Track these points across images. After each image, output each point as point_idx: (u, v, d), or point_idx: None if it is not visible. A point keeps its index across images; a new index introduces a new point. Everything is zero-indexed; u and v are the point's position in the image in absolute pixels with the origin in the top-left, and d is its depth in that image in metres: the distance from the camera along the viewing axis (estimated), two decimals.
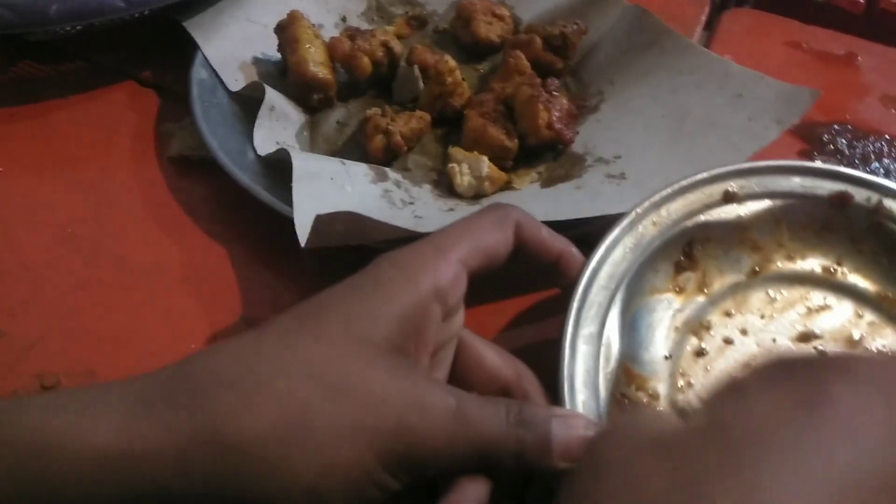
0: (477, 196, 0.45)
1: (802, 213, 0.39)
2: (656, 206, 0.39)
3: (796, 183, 0.40)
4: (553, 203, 0.42)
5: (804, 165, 0.40)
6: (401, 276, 0.28)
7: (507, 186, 0.46)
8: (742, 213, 0.39)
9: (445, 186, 0.45)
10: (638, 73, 0.50)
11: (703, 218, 0.40)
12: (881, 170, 0.52)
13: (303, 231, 0.36)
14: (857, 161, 0.53)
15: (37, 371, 0.36)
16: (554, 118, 0.46)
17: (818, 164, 0.40)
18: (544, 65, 0.52)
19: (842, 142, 0.54)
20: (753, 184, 0.40)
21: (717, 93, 0.46)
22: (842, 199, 0.39)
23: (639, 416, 0.28)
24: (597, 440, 0.26)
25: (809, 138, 0.54)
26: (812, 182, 0.39)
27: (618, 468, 0.23)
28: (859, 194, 0.39)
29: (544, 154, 0.48)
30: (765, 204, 0.39)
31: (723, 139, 0.43)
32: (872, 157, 0.53)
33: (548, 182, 0.46)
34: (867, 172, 0.50)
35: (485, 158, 0.45)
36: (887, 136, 0.55)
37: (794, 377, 0.23)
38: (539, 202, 0.43)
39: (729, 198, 0.39)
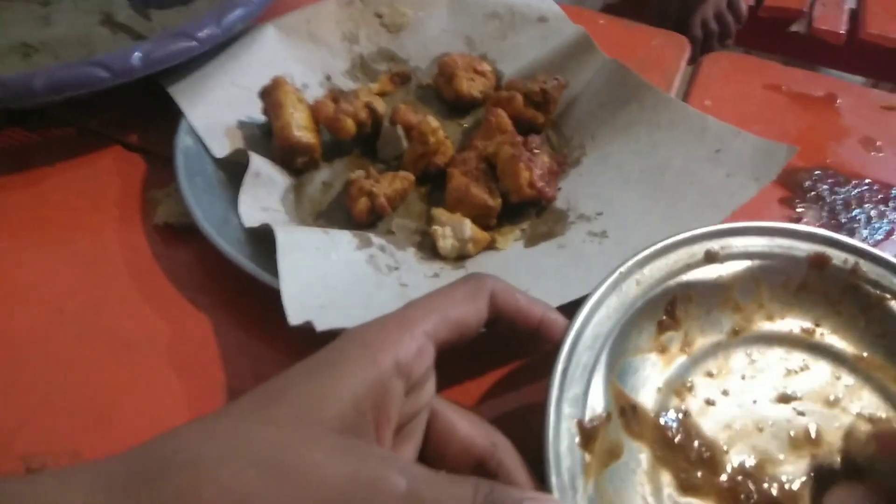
0: (461, 258, 0.45)
1: (782, 274, 0.40)
2: (639, 265, 0.39)
3: (776, 244, 0.40)
4: (536, 267, 0.42)
5: (784, 227, 0.40)
6: (359, 353, 0.28)
7: (490, 246, 0.46)
8: (723, 273, 0.40)
9: (430, 248, 0.46)
10: (618, 127, 0.51)
11: (685, 278, 0.40)
12: (863, 215, 0.53)
13: (291, 307, 0.36)
14: (838, 207, 0.53)
15: (23, 453, 0.36)
16: (536, 177, 0.47)
17: (797, 226, 0.41)
18: (526, 120, 0.53)
19: (823, 188, 0.55)
20: (734, 244, 0.40)
21: (695, 148, 0.46)
22: (820, 261, 0.40)
23: None
24: None
25: (791, 185, 0.55)
26: (791, 243, 0.40)
27: None
28: (837, 256, 0.40)
29: (527, 210, 0.49)
30: (745, 264, 0.40)
31: (702, 196, 0.43)
32: (854, 202, 0.54)
33: (531, 240, 0.46)
34: (849, 218, 0.52)
35: (467, 221, 0.45)
36: (868, 181, 0.55)
37: None
38: (522, 265, 0.43)
39: (711, 258, 0.40)
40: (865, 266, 0.39)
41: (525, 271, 0.42)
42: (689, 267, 0.40)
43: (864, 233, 0.52)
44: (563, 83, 0.54)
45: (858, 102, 0.64)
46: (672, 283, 0.40)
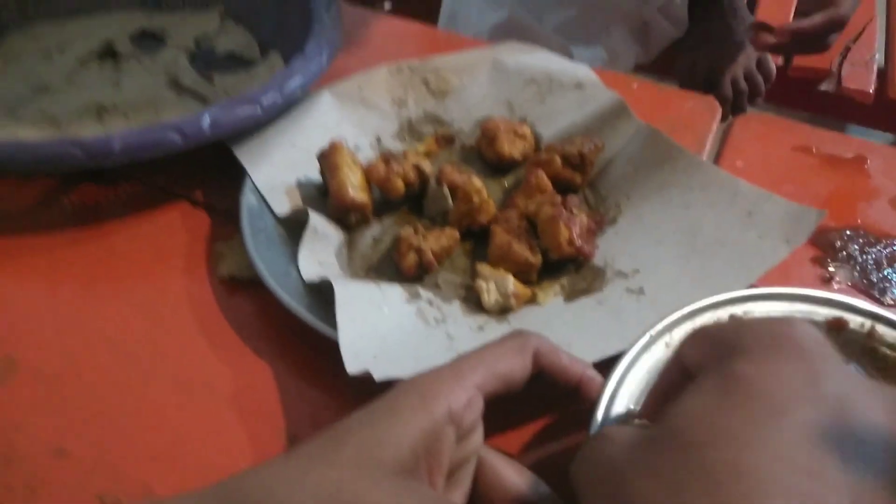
0: (503, 311, 0.48)
1: None
2: (668, 328, 0.42)
3: (795, 308, 0.43)
4: (577, 322, 0.45)
5: (802, 293, 0.43)
6: (415, 401, 0.31)
7: (532, 301, 0.49)
8: None
9: (474, 302, 0.48)
10: (651, 188, 0.54)
11: None
12: (894, 274, 0.54)
13: (348, 357, 0.39)
14: (870, 267, 0.55)
15: (98, 491, 0.39)
16: (574, 235, 0.49)
17: (815, 291, 0.43)
18: (564, 180, 0.56)
19: (854, 248, 0.56)
20: (756, 309, 0.43)
21: (727, 210, 0.49)
22: (838, 325, 0.42)
23: (609, 434, 0.31)
24: (581, 460, 0.31)
25: (822, 245, 0.57)
26: (810, 308, 0.43)
27: (611, 484, 0.28)
28: (853, 320, 0.42)
29: (566, 266, 0.51)
30: None
31: (734, 257, 0.46)
32: (885, 262, 0.55)
33: (571, 295, 0.49)
34: (880, 278, 0.53)
35: (510, 277, 0.48)
36: None
37: (710, 372, 0.29)
38: (563, 320, 0.45)
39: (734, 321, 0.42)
40: (881, 329, 0.42)
41: (566, 326, 0.45)
42: None
43: None
44: (599, 146, 0.57)
45: (888, 164, 0.66)
46: None
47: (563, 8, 0.97)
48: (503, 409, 0.42)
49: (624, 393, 0.39)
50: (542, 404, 0.43)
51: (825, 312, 0.43)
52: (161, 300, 0.49)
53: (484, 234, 0.52)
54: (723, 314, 0.42)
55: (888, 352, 0.41)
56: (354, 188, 0.52)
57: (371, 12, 0.80)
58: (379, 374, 0.38)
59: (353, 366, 0.39)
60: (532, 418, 0.43)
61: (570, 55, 0.90)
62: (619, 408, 0.39)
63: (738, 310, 0.43)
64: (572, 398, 0.38)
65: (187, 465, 0.40)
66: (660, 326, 0.41)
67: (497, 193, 0.58)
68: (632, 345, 0.41)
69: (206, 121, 0.52)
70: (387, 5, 1.42)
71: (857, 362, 0.42)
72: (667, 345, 0.41)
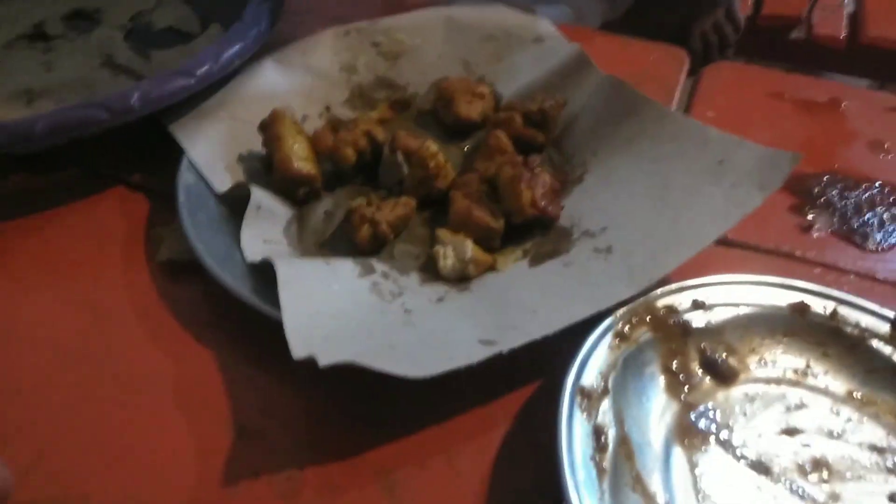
0: (462, 279, 0.45)
1: (767, 320, 0.42)
2: (633, 309, 0.40)
3: (757, 293, 0.42)
4: (543, 287, 0.42)
5: (762, 279, 0.43)
6: None
7: (492, 267, 0.45)
8: (712, 319, 0.41)
9: (433, 271, 0.45)
10: (619, 142, 0.50)
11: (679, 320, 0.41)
12: (875, 218, 0.52)
13: (294, 340, 0.36)
14: (849, 212, 0.52)
15: (30, 498, 0.36)
16: (537, 196, 0.46)
17: (773, 277, 0.43)
18: (526, 140, 0.53)
19: (833, 193, 0.54)
20: (718, 294, 0.42)
21: (698, 160, 0.46)
22: (800, 309, 0.42)
23: None
24: None
25: (800, 192, 0.54)
26: (771, 292, 0.42)
27: None
28: (816, 303, 0.42)
29: (532, 229, 0.48)
30: (733, 311, 0.42)
31: (706, 208, 0.43)
32: (865, 207, 0.53)
33: (536, 259, 0.46)
34: (861, 223, 0.51)
35: (469, 241, 0.45)
36: (878, 184, 0.54)
37: None
38: (528, 285, 0.42)
39: (698, 305, 0.42)
40: (843, 311, 0.41)
41: (531, 291, 0.42)
42: (680, 313, 0.41)
43: (878, 236, 0.51)
44: (561, 102, 0.53)
45: (864, 105, 0.63)
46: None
47: None
48: (473, 391, 0.40)
49: (593, 366, 0.37)
50: (513, 382, 0.41)
51: (788, 297, 0.42)
52: (99, 292, 0.46)
53: (443, 202, 0.49)
54: (685, 298, 0.41)
55: (853, 331, 0.41)
56: (300, 159, 0.48)
57: None
58: (325, 359, 0.34)
59: (298, 349, 0.35)
60: (502, 393, 0.40)
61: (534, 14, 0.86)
62: (589, 380, 0.37)
63: (700, 295, 0.42)
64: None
65: (128, 466, 0.37)
66: (623, 310, 0.40)
67: (456, 158, 0.55)
68: (598, 309, 0.39)
69: (134, 95, 0.48)
70: None
71: (824, 343, 0.41)
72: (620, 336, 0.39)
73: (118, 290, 0.46)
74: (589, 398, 0.36)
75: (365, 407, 0.39)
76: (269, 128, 0.49)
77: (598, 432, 0.35)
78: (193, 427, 0.39)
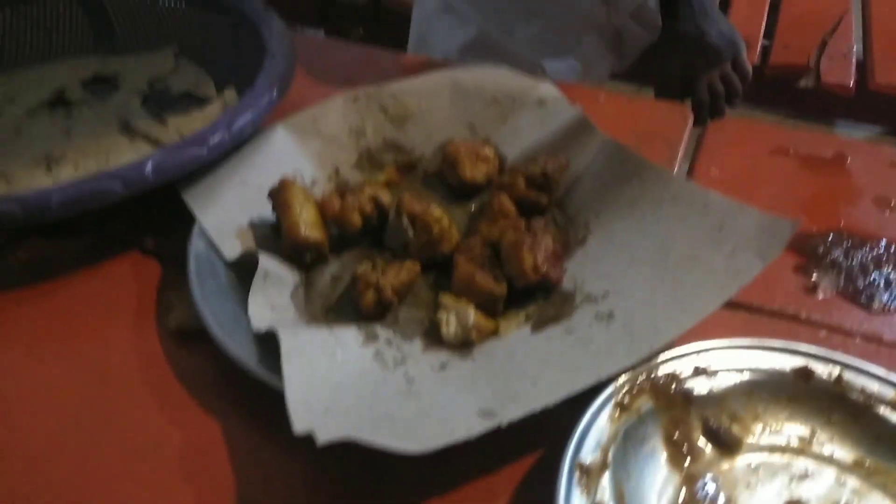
0: (465, 345, 0.45)
1: (771, 387, 0.41)
2: (634, 378, 0.40)
3: (760, 358, 0.42)
4: (544, 356, 0.42)
5: (764, 344, 0.43)
6: None
7: (494, 333, 0.46)
8: (714, 386, 0.41)
9: (436, 336, 0.46)
10: (621, 205, 0.51)
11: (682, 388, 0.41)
12: (881, 279, 0.52)
13: (296, 414, 0.36)
14: (855, 272, 0.52)
15: None
16: (539, 261, 0.47)
17: (777, 341, 0.43)
18: (530, 202, 0.54)
19: (838, 253, 0.54)
20: (720, 360, 0.42)
21: (698, 225, 0.46)
22: (804, 374, 0.41)
23: None
24: None
25: (805, 251, 0.54)
26: (774, 357, 0.42)
27: None
28: (820, 368, 0.41)
29: (535, 294, 0.49)
30: (736, 377, 0.42)
31: (706, 276, 0.43)
32: (871, 266, 0.53)
33: (538, 324, 0.46)
34: (867, 284, 0.51)
35: (471, 308, 0.45)
36: (884, 241, 0.54)
37: None
38: (529, 354, 0.43)
39: (700, 371, 0.41)
40: (848, 376, 0.41)
41: (532, 359, 0.42)
42: (681, 380, 0.41)
43: (885, 297, 0.50)
44: (563, 164, 0.54)
45: (869, 161, 0.63)
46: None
47: (532, 20, 0.94)
48: (474, 462, 0.40)
49: (593, 438, 0.37)
50: (510, 453, 0.41)
51: (791, 361, 0.42)
52: (108, 358, 0.47)
53: (448, 265, 0.50)
54: (685, 365, 0.41)
55: (858, 398, 0.40)
56: (307, 226, 0.49)
57: (334, 42, 0.79)
58: (324, 436, 0.35)
59: (300, 424, 0.36)
60: (500, 466, 0.40)
61: (542, 70, 0.88)
62: (588, 453, 0.37)
63: (702, 362, 0.41)
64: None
65: None
66: (625, 377, 0.40)
67: (462, 220, 0.56)
68: (599, 378, 0.39)
69: (148, 167, 0.50)
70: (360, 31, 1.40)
71: (829, 409, 0.41)
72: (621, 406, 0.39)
73: (127, 356, 0.47)
74: (588, 474, 0.36)
75: (365, 479, 0.40)
76: (278, 195, 0.51)
77: None
78: (197, 498, 0.39)
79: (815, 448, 0.40)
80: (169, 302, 0.49)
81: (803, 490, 0.38)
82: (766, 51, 1.07)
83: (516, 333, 0.46)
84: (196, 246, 0.49)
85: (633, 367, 0.40)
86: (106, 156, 0.62)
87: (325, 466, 0.40)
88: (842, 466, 0.39)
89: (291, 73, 0.61)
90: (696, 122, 0.67)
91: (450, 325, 0.45)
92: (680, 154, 0.63)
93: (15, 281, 0.52)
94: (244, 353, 0.42)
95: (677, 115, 0.67)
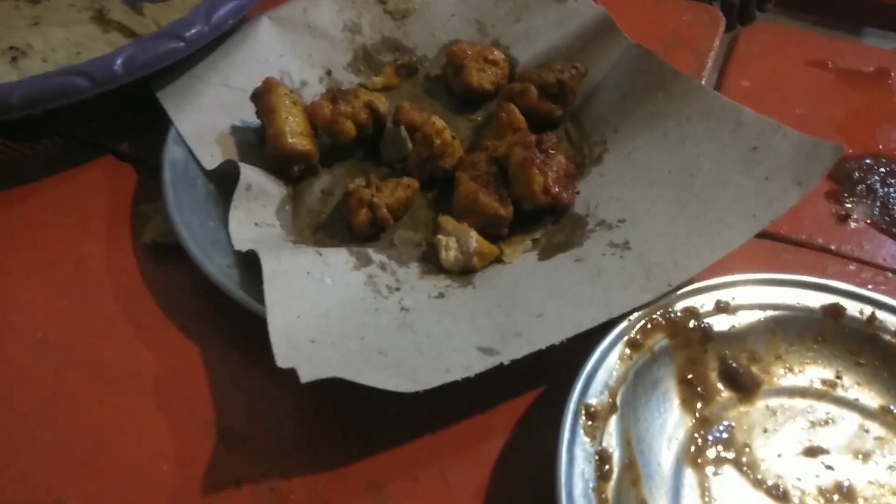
0: (465, 271, 0.41)
1: (797, 325, 0.38)
2: (649, 313, 0.37)
3: (788, 294, 0.39)
4: (551, 286, 0.38)
5: (793, 279, 0.39)
6: None
7: (498, 259, 0.42)
8: (736, 324, 0.38)
9: (435, 261, 0.42)
10: (643, 119, 0.46)
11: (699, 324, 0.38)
12: None
13: (279, 346, 0.33)
14: (892, 201, 0.48)
15: (1, 502, 0.34)
16: (550, 181, 0.43)
17: (808, 277, 0.39)
18: (542, 114, 0.49)
19: (874, 179, 0.49)
20: (744, 295, 0.38)
21: (729, 144, 0.42)
22: (834, 311, 0.38)
23: None
24: None
25: (838, 177, 0.49)
26: (803, 293, 0.39)
27: None
28: (852, 307, 0.38)
29: (543, 217, 0.45)
30: (758, 315, 0.38)
31: (736, 203, 0.39)
32: None
33: (546, 251, 0.42)
34: None
35: (473, 233, 0.41)
36: None
37: None
38: (535, 283, 0.39)
39: (721, 308, 0.38)
40: (882, 315, 0.38)
41: (538, 291, 0.39)
42: (702, 316, 0.38)
43: None
44: (582, 71, 0.49)
45: None
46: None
47: None
48: (470, 395, 0.37)
49: (601, 379, 0.34)
50: (509, 389, 0.38)
51: (820, 298, 0.38)
52: (79, 273, 0.43)
53: (449, 182, 0.46)
54: (708, 300, 0.38)
55: (891, 339, 0.37)
56: (295, 134, 0.45)
57: None
58: (308, 374, 0.31)
59: (283, 357, 0.33)
60: (504, 399, 0.38)
61: None
62: (596, 393, 0.34)
63: (725, 295, 0.38)
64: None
65: (104, 469, 0.35)
66: (638, 314, 0.37)
67: (466, 132, 0.51)
68: (611, 315, 0.36)
69: (118, 62, 0.45)
70: None
71: (857, 352, 0.38)
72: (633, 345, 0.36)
73: (100, 272, 0.43)
74: (594, 418, 0.33)
75: (356, 412, 0.37)
76: (262, 98, 0.46)
77: (602, 458, 0.32)
78: (174, 429, 0.36)
79: (839, 392, 0.37)
80: (145, 214, 0.45)
81: (823, 437, 0.36)
82: None
83: (522, 261, 0.42)
84: (171, 153, 0.44)
85: (648, 304, 0.37)
86: (77, 49, 0.56)
87: (313, 398, 0.37)
88: (866, 413, 0.37)
89: None
90: (725, 28, 0.61)
91: (449, 250, 0.41)
92: (710, 62, 0.57)
93: None
94: (224, 275, 0.39)
95: (707, 19, 0.61)
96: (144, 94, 0.48)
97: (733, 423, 0.36)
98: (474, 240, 0.41)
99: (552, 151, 0.44)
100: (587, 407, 0.33)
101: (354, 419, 0.37)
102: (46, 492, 0.35)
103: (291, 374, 0.32)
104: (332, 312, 0.37)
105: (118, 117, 0.51)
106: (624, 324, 0.36)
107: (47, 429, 0.37)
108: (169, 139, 0.45)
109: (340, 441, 0.36)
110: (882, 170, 0.50)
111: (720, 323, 0.38)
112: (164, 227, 0.43)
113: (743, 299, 0.38)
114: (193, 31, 0.47)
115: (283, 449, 0.36)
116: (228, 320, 0.40)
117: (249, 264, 0.40)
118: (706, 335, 0.38)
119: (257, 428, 0.36)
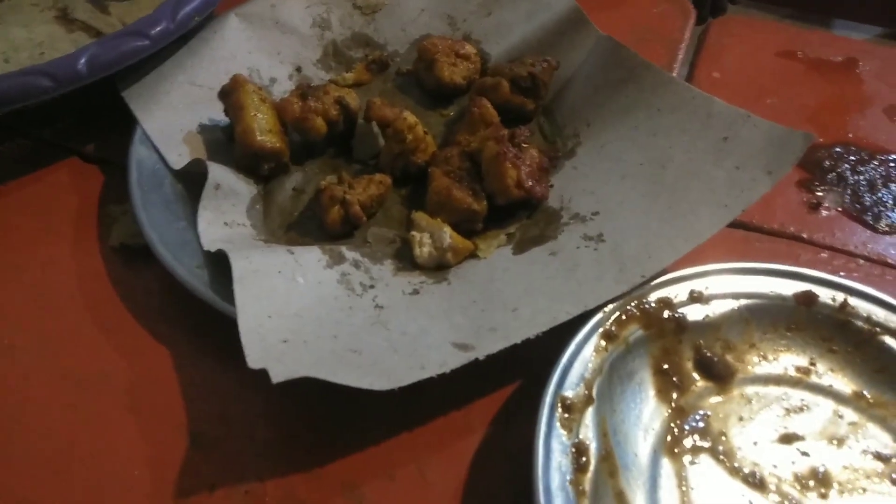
0: (440, 267, 0.41)
1: (770, 313, 0.39)
2: (623, 304, 0.37)
3: (760, 282, 0.39)
4: (525, 281, 0.38)
5: (766, 267, 0.39)
6: None
7: (472, 254, 0.42)
8: (710, 313, 0.38)
9: (409, 258, 0.42)
10: (615, 112, 0.46)
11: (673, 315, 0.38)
12: (890, 196, 0.48)
13: (250, 347, 0.33)
14: (862, 188, 0.48)
15: None
16: (523, 176, 0.42)
17: (780, 265, 0.39)
18: (514, 108, 0.48)
19: (845, 167, 0.50)
20: (717, 284, 0.39)
21: (700, 135, 0.42)
22: (807, 299, 0.38)
23: None
24: None
25: (809, 165, 0.50)
26: (776, 282, 0.39)
27: None
28: (824, 294, 0.38)
29: (517, 211, 0.44)
30: (732, 304, 0.39)
31: (708, 194, 0.39)
32: (879, 182, 0.49)
33: (521, 245, 0.42)
34: (874, 200, 0.47)
35: (447, 228, 0.41)
36: (894, 156, 0.50)
37: None
38: (510, 278, 0.39)
39: (695, 298, 0.38)
40: (854, 302, 0.38)
41: (513, 285, 0.38)
42: (675, 306, 0.38)
43: (893, 216, 0.47)
44: (553, 65, 0.49)
45: (882, 66, 0.58)
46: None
47: None
48: (446, 392, 0.37)
49: (576, 371, 0.34)
50: (485, 384, 0.38)
51: (793, 286, 0.39)
52: (45, 276, 0.42)
53: (422, 177, 0.45)
54: (681, 290, 0.38)
55: (863, 325, 0.38)
56: (264, 132, 0.44)
57: None
58: (280, 374, 0.31)
59: (255, 358, 0.32)
60: (480, 395, 0.37)
61: None
62: (571, 386, 0.34)
63: (699, 285, 0.38)
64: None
65: (77, 478, 0.34)
66: (613, 305, 0.37)
67: (438, 127, 0.51)
68: (585, 308, 0.35)
69: (82, 61, 0.44)
70: None
71: (830, 339, 0.38)
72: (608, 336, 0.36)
73: (67, 275, 0.42)
74: (570, 411, 0.33)
75: (330, 412, 0.37)
76: (230, 96, 0.45)
77: (579, 450, 0.32)
78: (146, 433, 0.36)
79: (813, 379, 0.38)
80: (112, 215, 0.44)
81: (798, 423, 0.36)
82: None
83: (496, 255, 0.42)
84: (138, 153, 0.44)
85: (622, 296, 0.36)
86: (40, 49, 0.55)
87: (286, 399, 0.37)
88: (840, 399, 0.37)
89: None
90: (696, 20, 0.61)
91: (423, 246, 0.41)
92: (681, 54, 0.57)
93: None
94: (194, 276, 0.38)
95: (678, 11, 0.61)
96: (110, 93, 0.47)
97: (709, 413, 0.36)
98: (448, 235, 0.41)
99: (525, 145, 0.44)
100: (563, 399, 0.33)
101: (329, 419, 0.36)
102: (16, 499, 0.34)
103: (264, 375, 0.31)
104: (304, 312, 0.36)
105: (84, 118, 0.50)
106: (599, 316, 0.36)
107: (16, 434, 0.36)
108: (135, 139, 0.44)
109: (316, 442, 0.35)
110: (852, 158, 0.50)
111: (694, 313, 0.38)
112: (132, 228, 0.42)
113: (716, 289, 0.39)
114: (159, 28, 0.46)
115: (257, 451, 0.35)
116: (199, 322, 0.39)
117: (220, 265, 0.39)
118: (680, 325, 0.38)
119: (230, 430, 0.36)
